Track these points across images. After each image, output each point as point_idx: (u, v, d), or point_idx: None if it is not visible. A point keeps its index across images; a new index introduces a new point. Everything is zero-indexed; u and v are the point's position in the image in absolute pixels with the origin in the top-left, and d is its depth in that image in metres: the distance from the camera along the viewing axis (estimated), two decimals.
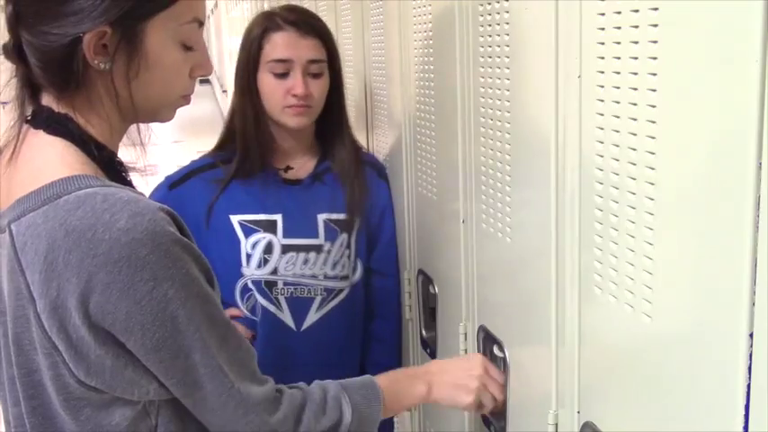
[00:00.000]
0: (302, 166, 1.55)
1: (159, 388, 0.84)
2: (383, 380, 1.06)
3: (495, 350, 1.15)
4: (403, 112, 1.54)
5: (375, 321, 1.63)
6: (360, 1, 1.80)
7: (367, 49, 1.78)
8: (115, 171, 0.88)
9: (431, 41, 1.33)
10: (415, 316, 1.59)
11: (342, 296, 1.54)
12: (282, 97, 1.46)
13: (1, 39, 0.87)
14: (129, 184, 0.90)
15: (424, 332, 1.53)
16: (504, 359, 1.12)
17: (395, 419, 1.74)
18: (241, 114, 1.50)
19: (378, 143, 1.79)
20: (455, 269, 1.29)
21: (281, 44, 1.46)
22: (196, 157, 1.61)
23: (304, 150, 1.56)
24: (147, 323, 0.78)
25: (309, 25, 1.49)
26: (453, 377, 1.13)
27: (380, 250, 1.61)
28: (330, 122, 1.56)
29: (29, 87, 0.87)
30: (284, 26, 1.47)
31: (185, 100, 0.93)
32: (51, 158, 0.83)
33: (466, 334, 1.28)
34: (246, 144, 1.49)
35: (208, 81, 14.10)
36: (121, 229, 0.76)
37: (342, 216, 1.52)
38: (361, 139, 1.78)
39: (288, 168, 1.53)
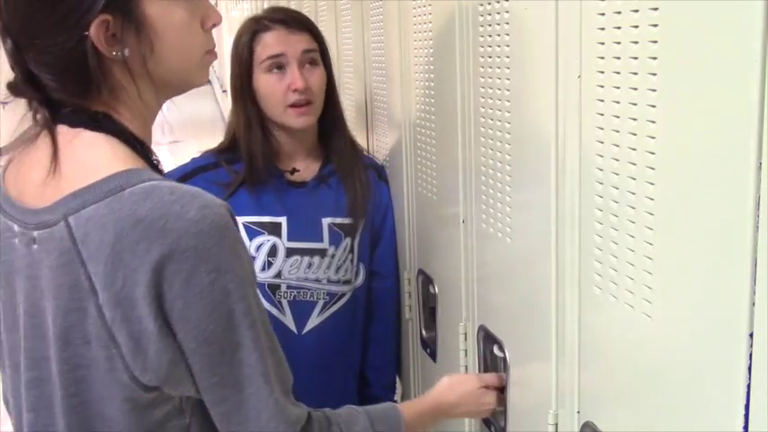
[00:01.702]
0: (307, 167, 1.54)
1: (197, 392, 0.84)
2: (409, 412, 1.06)
3: (495, 350, 1.15)
4: (403, 112, 1.54)
5: (371, 323, 1.63)
6: (360, 1, 1.80)
7: (367, 49, 1.78)
8: (154, 167, 0.88)
9: (431, 41, 1.33)
10: (415, 316, 1.59)
11: (344, 300, 1.53)
12: (283, 95, 1.44)
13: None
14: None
15: (423, 332, 1.53)
16: (504, 359, 1.12)
17: None
18: (242, 123, 1.49)
19: (378, 143, 1.79)
20: (455, 269, 1.29)
21: (271, 42, 1.45)
22: (196, 156, 1.59)
23: (307, 152, 1.54)
24: (204, 314, 0.79)
25: (297, 21, 1.48)
26: (470, 410, 1.17)
27: (380, 251, 1.61)
28: (327, 118, 1.55)
29: (49, 109, 0.85)
30: (272, 26, 1.46)
31: (211, 55, 0.92)
32: (102, 153, 0.83)
33: (466, 334, 1.28)
34: (251, 154, 1.48)
35: (208, 81, 14.08)
36: (191, 220, 0.77)
37: (346, 220, 1.52)
38: (361, 139, 1.77)
39: (294, 170, 1.52)
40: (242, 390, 0.83)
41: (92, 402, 0.82)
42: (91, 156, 0.83)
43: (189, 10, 0.87)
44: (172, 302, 0.78)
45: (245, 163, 1.48)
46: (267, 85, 1.46)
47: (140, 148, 0.86)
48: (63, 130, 0.84)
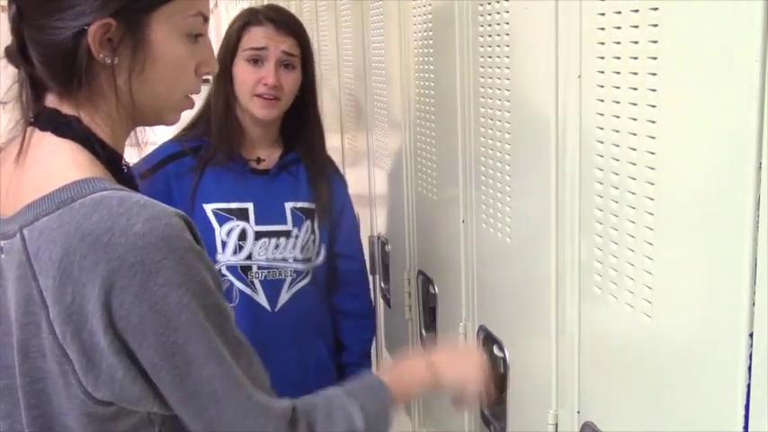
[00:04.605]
0: (269, 156, 1.62)
1: (162, 406, 0.82)
2: (388, 376, 1.02)
3: (495, 350, 1.15)
4: (403, 112, 1.54)
5: (347, 300, 1.71)
6: (360, 1, 1.80)
7: (367, 49, 1.78)
8: (121, 173, 0.87)
9: (431, 41, 1.33)
10: (415, 316, 1.59)
11: (309, 276, 1.62)
12: (253, 85, 1.52)
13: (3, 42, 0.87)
14: (135, 187, 0.89)
15: (424, 332, 1.53)
16: (504, 359, 1.12)
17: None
18: (215, 101, 1.58)
19: (377, 143, 1.79)
20: (455, 269, 1.29)
21: (258, 36, 1.54)
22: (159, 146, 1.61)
23: (270, 142, 1.63)
24: (160, 328, 0.77)
25: (287, 24, 1.57)
26: (459, 363, 1.11)
27: (343, 235, 1.69)
28: (301, 122, 1.62)
29: (33, 89, 0.86)
30: (264, 21, 1.55)
31: (189, 102, 0.92)
32: (62, 161, 0.82)
33: (466, 334, 1.28)
34: (218, 129, 1.56)
35: (208, 81, 14.11)
36: (137, 234, 0.75)
37: (306, 204, 1.61)
38: (360, 138, 1.78)
39: (259, 160, 1.60)
40: (219, 399, 0.82)
41: (52, 415, 0.82)
42: (52, 162, 0.82)
43: (190, 50, 0.88)
44: (126, 319, 0.76)
45: (211, 140, 1.55)
46: (243, 72, 1.54)
47: (105, 154, 0.85)
48: (33, 133, 0.84)
